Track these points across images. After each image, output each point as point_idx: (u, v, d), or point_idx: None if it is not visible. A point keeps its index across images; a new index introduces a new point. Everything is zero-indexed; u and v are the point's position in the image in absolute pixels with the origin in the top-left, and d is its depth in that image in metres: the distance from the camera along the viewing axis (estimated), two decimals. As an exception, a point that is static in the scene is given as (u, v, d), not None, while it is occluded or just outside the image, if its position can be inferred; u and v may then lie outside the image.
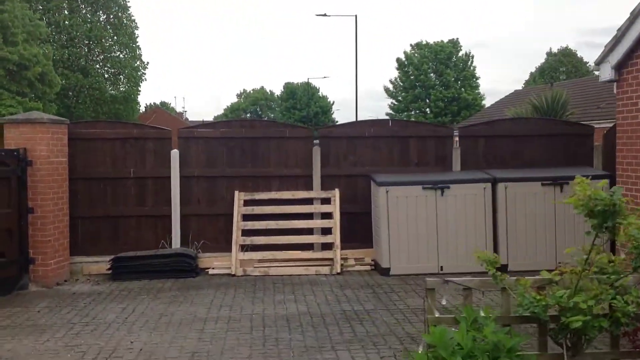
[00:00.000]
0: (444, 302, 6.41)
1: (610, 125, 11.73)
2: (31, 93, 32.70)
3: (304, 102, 78.68)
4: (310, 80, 75.62)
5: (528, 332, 5.77)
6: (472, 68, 62.69)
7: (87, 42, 41.88)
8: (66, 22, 40.98)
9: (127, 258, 9.85)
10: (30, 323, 7.41)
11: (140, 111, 53.37)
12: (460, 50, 62.33)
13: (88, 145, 10.35)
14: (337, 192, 10.58)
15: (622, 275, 4.91)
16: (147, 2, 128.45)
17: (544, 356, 4.98)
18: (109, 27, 42.83)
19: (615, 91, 9.89)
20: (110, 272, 9.84)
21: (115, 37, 42.64)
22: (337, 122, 67.92)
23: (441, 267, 9.83)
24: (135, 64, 43.90)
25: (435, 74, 61.28)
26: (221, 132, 10.70)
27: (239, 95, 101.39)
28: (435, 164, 10.84)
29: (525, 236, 9.93)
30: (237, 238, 10.24)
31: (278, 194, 10.60)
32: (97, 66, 42.72)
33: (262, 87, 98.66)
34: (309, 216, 10.61)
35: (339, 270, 9.94)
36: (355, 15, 35.41)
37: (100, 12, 42.91)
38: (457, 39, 63.51)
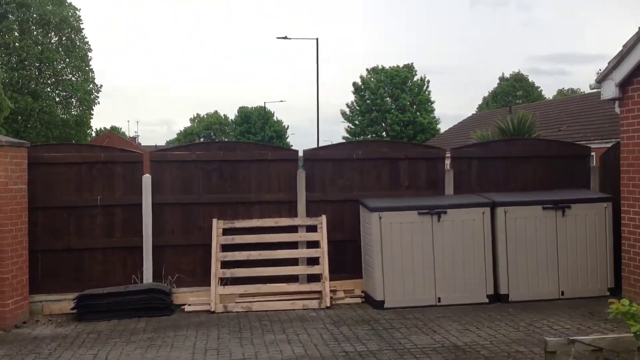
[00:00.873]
0: None
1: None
2: (-22, 117, 31.16)
3: (258, 126, 77.77)
4: (266, 104, 74.99)
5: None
6: (427, 92, 62.96)
7: (37, 64, 40.39)
8: (16, 44, 39.48)
9: (94, 296, 8.84)
10: (-13, 376, 6.40)
11: (92, 136, 51.73)
12: (415, 74, 62.57)
13: (50, 171, 9.33)
14: (323, 218, 9.80)
15: None
16: (101, 25, 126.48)
17: None
18: (61, 49, 41.41)
19: (617, 110, 9.41)
20: (74, 311, 8.81)
21: (67, 60, 41.22)
22: (292, 146, 67.18)
23: (439, 298, 9.11)
24: (88, 87, 42.47)
25: (391, 98, 61.31)
26: (197, 155, 9.81)
27: (192, 120, 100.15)
28: (426, 187, 10.17)
29: (526, 264, 9.29)
30: (216, 270, 9.34)
31: (260, 222, 9.75)
32: (48, 89, 41.24)
33: (216, 111, 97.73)
34: (293, 245, 9.78)
35: (328, 304, 9.12)
36: (317, 39, 34.97)
37: (52, 33, 41.48)
38: (412, 63, 63.81)
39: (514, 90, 71.98)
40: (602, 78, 9.39)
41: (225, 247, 9.60)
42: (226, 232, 9.66)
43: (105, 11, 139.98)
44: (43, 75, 41.15)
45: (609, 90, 9.30)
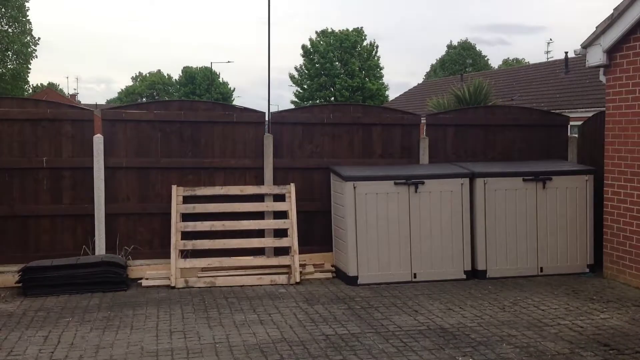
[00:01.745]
0: None
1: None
2: None
3: (203, 87, 76.04)
4: (213, 65, 73.13)
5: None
6: (376, 58, 62.46)
7: (-30, 15, 38.02)
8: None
9: (41, 268, 7.98)
10: None
11: (29, 92, 49.37)
12: (365, 39, 61.88)
13: (-11, 128, 8.38)
14: (292, 187, 9.12)
15: None
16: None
17: None
18: (-5, -2, 39.02)
19: (602, 78, 8.97)
20: (19, 285, 7.95)
21: (2, 10, 38.81)
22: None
23: (415, 274, 8.59)
24: (25, 40, 40.23)
25: (340, 63, 60.59)
26: (155, 115, 8.95)
27: (134, 78, 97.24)
28: (400, 155, 9.59)
29: (505, 239, 8.85)
30: (176, 242, 8.58)
31: (224, 189, 9.01)
32: (-18, 41, 38.89)
33: (159, 70, 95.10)
34: (259, 215, 9.10)
35: (298, 280, 8.50)
36: (268, -3, 33.72)
37: (-14, -18, 39.01)
38: (362, 27, 63.11)
39: (462, 58, 72.07)
40: (588, 43, 8.90)
41: (186, 217, 8.85)
42: (187, 200, 8.90)
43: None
44: (-24, 26, 38.82)
45: (595, 57, 8.84)
